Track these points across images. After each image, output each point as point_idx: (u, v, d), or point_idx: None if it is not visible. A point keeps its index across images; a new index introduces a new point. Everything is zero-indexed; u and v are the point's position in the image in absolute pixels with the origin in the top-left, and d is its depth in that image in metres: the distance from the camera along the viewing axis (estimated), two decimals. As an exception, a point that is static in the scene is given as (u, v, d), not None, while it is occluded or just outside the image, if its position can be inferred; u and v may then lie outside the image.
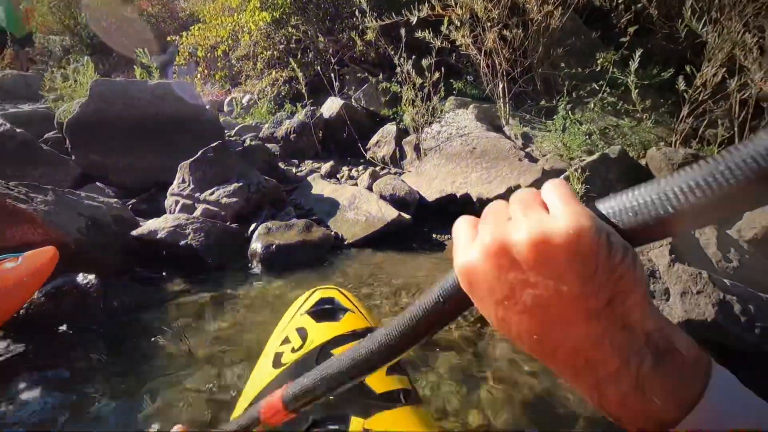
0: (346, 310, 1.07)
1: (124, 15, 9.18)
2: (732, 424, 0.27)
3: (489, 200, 2.84)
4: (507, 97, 3.40)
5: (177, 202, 2.79)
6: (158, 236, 2.25)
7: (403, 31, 3.21)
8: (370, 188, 3.25)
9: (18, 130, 3.10)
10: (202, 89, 6.29)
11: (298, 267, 2.37)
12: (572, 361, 0.30)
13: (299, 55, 5.07)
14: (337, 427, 0.73)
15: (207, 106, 5.50)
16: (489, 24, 3.05)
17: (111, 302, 1.92)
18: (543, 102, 3.15)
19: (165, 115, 3.44)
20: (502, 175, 2.81)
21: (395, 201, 3.05)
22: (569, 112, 3.00)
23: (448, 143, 3.35)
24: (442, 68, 3.29)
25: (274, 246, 2.33)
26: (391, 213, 2.79)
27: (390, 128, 3.96)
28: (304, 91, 4.05)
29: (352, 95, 4.55)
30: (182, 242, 2.26)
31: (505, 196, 2.55)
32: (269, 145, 4.25)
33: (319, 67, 4.28)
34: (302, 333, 0.99)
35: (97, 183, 3.18)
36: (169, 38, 6.69)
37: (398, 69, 3.42)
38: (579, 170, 2.02)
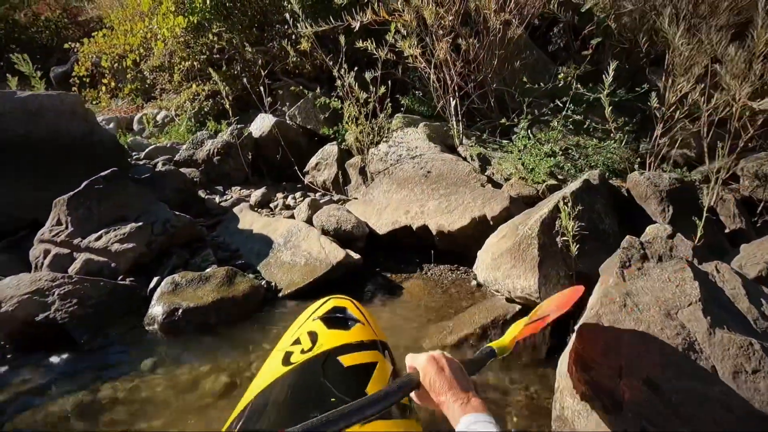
0: (356, 320, 1.12)
1: (16, 20, 7.93)
2: None
3: (451, 234, 2.46)
4: (460, 115, 3.08)
5: (47, 253, 2.08)
6: (2, 310, 1.56)
7: (342, 39, 2.78)
8: (309, 221, 2.73)
9: None
10: (108, 104, 5.41)
11: (215, 331, 1.79)
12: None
13: (224, 67, 4.46)
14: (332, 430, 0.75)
15: (110, 125, 4.68)
16: (441, 32, 2.71)
17: None
18: (503, 120, 2.86)
19: (41, 136, 2.68)
20: (464, 203, 2.43)
21: (341, 236, 2.56)
22: (529, 131, 2.73)
23: (399, 166, 2.94)
24: (389, 82, 2.90)
25: (180, 311, 1.74)
26: (336, 253, 2.29)
27: (330, 149, 3.48)
28: (228, 106, 3.46)
29: (287, 112, 4.02)
30: (41, 316, 1.59)
31: (470, 228, 2.17)
32: (187, 170, 3.58)
33: (245, 80, 3.71)
34: (313, 337, 1.05)
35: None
36: (66, 45, 5.73)
37: (338, 82, 2.98)
38: (567, 201, 1.68)
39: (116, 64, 5.24)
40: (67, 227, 2.17)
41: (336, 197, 3.26)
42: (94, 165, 2.57)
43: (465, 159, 2.97)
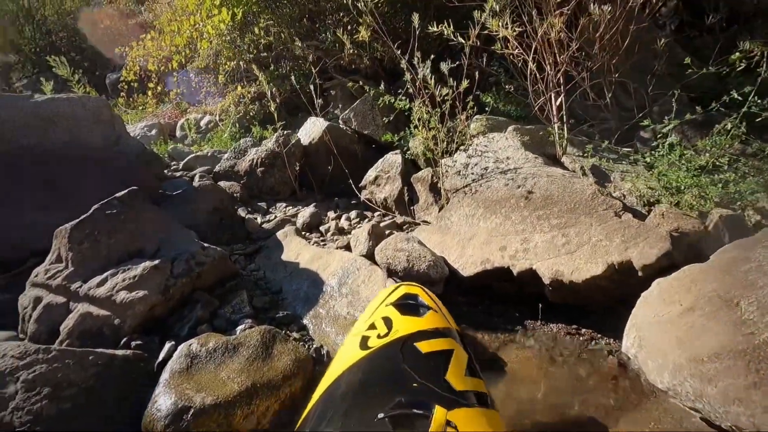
0: (428, 308, 1.17)
1: (75, 28, 8.06)
2: None
3: (574, 285, 1.75)
4: (565, 116, 2.34)
5: (38, 301, 1.60)
6: (-65, 412, 1.05)
7: (416, 18, 2.14)
8: (371, 255, 2.11)
9: None
10: (154, 109, 5.15)
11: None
12: None
13: (271, 66, 3.98)
14: (421, 411, 0.78)
15: (152, 131, 4.35)
16: (552, 7, 2.00)
17: None
18: (646, 121, 2.07)
19: (54, 148, 2.27)
20: (592, 240, 1.71)
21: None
22: (678, 139, 1.95)
23: (485, 183, 2.26)
24: (467, 75, 2.22)
25: (190, 414, 1.16)
26: (411, 310, 1.65)
27: (393, 159, 2.86)
28: (273, 110, 2.94)
29: (340, 115, 3.46)
30: (-10, 421, 1.07)
31: (605, 279, 1.43)
32: (227, 183, 3.11)
33: (294, 79, 3.17)
34: (388, 322, 1.09)
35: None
36: (117, 49, 5.56)
37: (407, 76, 2.34)
38: None
39: (162, 67, 4.96)
40: (67, 266, 1.69)
41: (400, 220, 2.63)
42: (117, 181, 2.12)
43: (573, 172, 2.24)
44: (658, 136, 2.06)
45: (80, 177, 2.29)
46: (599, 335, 1.69)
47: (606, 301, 1.68)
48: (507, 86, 2.54)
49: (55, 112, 2.27)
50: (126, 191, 1.91)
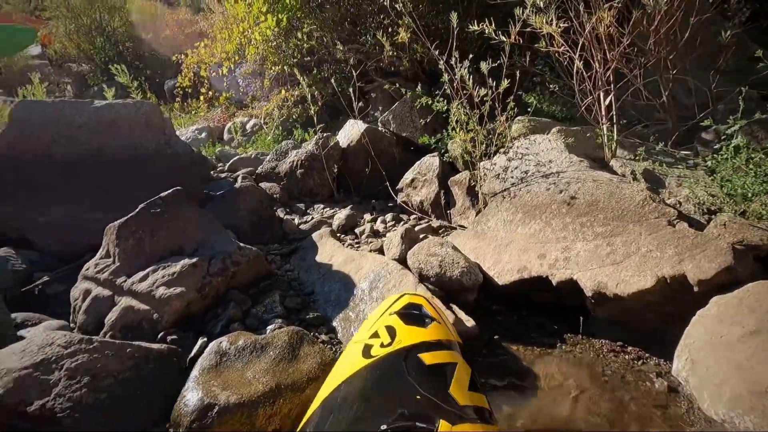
0: (432, 319, 1.14)
1: (143, 39, 8.67)
2: None
3: (620, 298, 1.62)
4: (615, 117, 2.18)
5: (87, 293, 1.71)
6: (-10, 393, 1.15)
7: (454, 17, 2.08)
8: (403, 259, 2.08)
9: None
10: (206, 113, 5.41)
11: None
12: None
13: (314, 70, 4.05)
14: (425, 425, 0.77)
15: (202, 134, 4.57)
16: (601, 1, 1.87)
17: None
18: (707, 121, 1.88)
19: (112, 150, 2.43)
20: (641, 251, 1.57)
21: (445, 285, 1.86)
22: (746, 141, 1.75)
23: (525, 187, 2.16)
24: (508, 75, 2.13)
25: (215, 411, 1.18)
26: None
27: (430, 162, 2.81)
28: (313, 113, 2.98)
29: (379, 117, 3.45)
30: (35, 405, 1.14)
31: (655, 293, 1.30)
32: (268, 185, 3.19)
33: (334, 82, 3.21)
34: (391, 332, 1.07)
35: (2, 249, 2.17)
36: (174, 57, 5.90)
37: (444, 77, 2.28)
38: None
39: (213, 74, 5.20)
40: (114, 261, 1.80)
41: (436, 224, 2.57)
42: (166, 181, 2.23)
43: (621, 176, 2.08)
44: (722, 137, 1.87)
45: (133, 177, 2.44)
46: (647, 355, 1.55)
47: (655, 318, 1.54)
48: (551, 86, 2.41)
49: (112, 117, 2.43)
50: (170, 191, 2.00)
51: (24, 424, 1.16)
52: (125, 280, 1.70)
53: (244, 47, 4.80)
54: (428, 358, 0.99)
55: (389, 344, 1.03)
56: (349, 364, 1.02)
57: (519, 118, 2.56)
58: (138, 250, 1.80)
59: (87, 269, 1.79)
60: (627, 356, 1.59)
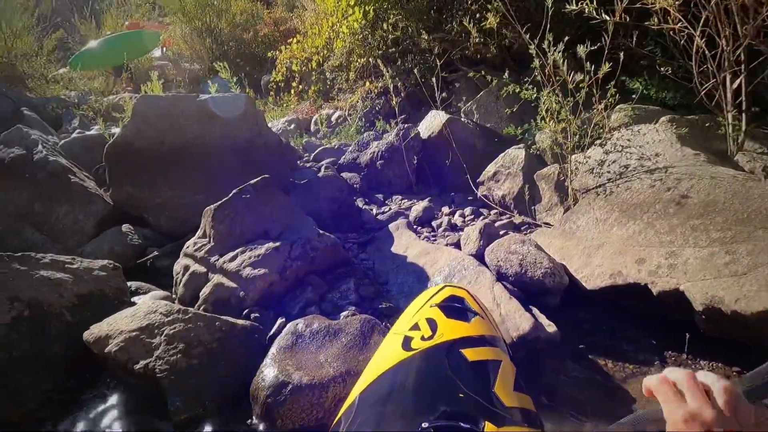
0: (475, 313, 1.08)
1: (243, 38, 9.41)
2: None
3: (739, 317, 1.38)
4: (745, 104, 1.85)
5: (186, 269, 1.90)
6: (106, 349, 1.32)
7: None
8: (480, 255, 2.00)
9: (51, 159, 2.59)
10: (296, 106, 5.71)
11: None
12: None
13: (398, 61, 4.05)
14: (469, 426, 0.74)
15: (291, 126, 4.82)
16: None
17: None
18: None
19: (214, 138, 2.66)
20: (772, 262, 1.32)
21: (525, 285, 1.75)
22: None
23: (624, 183, 1.93)
24: (610, 58, 1.90)
25: (288, 389, 1.23)
26: (518, 319, 1.50)
27: (515, 154, 2.65)
28: (394, 104, 2.98)
29: (463, 108, 3.35)
30: (140, 364, 1.29)
31: None
32: (349, 175, 3.27)
33: (417, 72, 3.17)
34: (432, 324, 1.02)
35: (124, 226, 2.50)
36: (269, 54, 6.31)
37: (535, 62, 2.12)
38: None
39: (304, 68, 5.45)
40: (209, 241, 1.97)
41: (518, 220, 2.42)
42: (257, 169, 2.39)
43: (752, 174, 1.76)
44: None
45: (230, 165, 2.65)
46: (774, 386, 1.30)
47: (788, 344, 1.28)
48: (663, 69, 2.11)
49: (214, 110, 2.66)
50: (259, 179, 2.13)
51: (131, 379, 1.32)
52: (218, 259, 1.86)
53: (333, 41, 4.96)
54: (471, 354, 0.94)
55: (430, 337, 0.98)
56: (388, 356, 0.97)
57: (621, 106, 2.30)
58: (230, 231, 1.95)
59: (187, 247, 1.98)
60: (745, 385, 1.35)
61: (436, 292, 1.16)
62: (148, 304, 1.48)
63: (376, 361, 0.99)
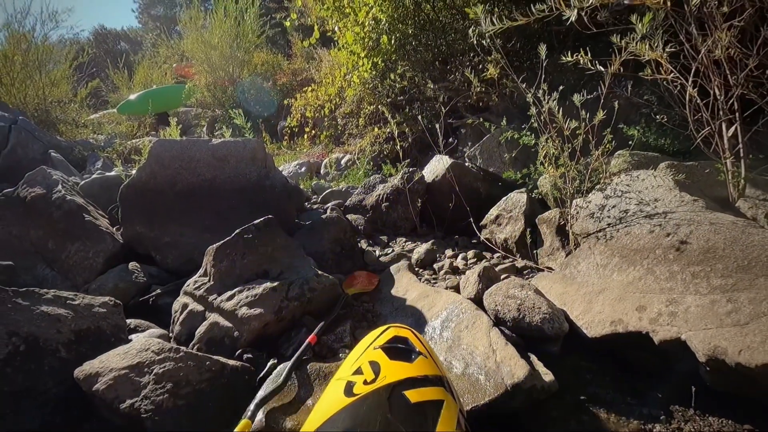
0: (419, 353, 1.07)
1: (262, 87, 9.94)
2: None
3: (744, 369, 1.32)
4: (743, 150, 1.86)
5: (185, 307, 1.91)
6: (94, 387, 1.32)
7: (542, 51, 2.01)
8: (479, 298, 1.97)
9: (68, 198, 2.71)
10: (308, 150, 5.91)
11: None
12: None
13: (406, 108, 4.21)
14: None
15: (302, 169, 4.97)
16: (718, 19, 1.66)
17: None
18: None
19: (222, 181, 2.76)
20: (775, 312, 1.27)
21: (524, 331, 1.71)
22: None
23: (624, 228, 1.92)
24: (606, 106, 1.95)
25: (272, 434, 1.20)
26: (514, 367, 1.45)
27: (517, 198, 2.67)
28: (399, 148, 3.07)
29: (467, 152, 3.42)
30: (126, 404, 1.28)
31: None
32: (354, 217, 3.32)
33: (422, 119, 3.28)
34: (375, 367, 1.01)
35: (131, 264, 2.55)
36: (285, 101, 6.62)
37: (532, 109, 2.19)
38: None
39: (317, 114, 5.70)
40: (209, 280, 2.00)
41: (520, 264, 2.40)
42: (264, 210, 2.45)
43: (754, 220, 1.74)
44: None
45: (238, 205, 2.73)
46: (787, 447, 1.22)
47: (799, 400, 1.21)
48: (659, 117, 2.15)
49: (224, 152, 2.78)
50: (262, 219, 2.18)
51: (117, 419, 1.31)
52: (215, 298, 1.87)
53: (345, 90, 5.21)
54: (414, 395, 0.92)
55: (373, 381, 0.96)
56: (330, 403, 0.95)
57: (619, 152, 2.32)
58: (230, 271, 1.97)
59: (188, 285, 2.01)
60: (756, 443, 1.26)
61: (380, 334, 1.15)
62: (141, 342, 1.49)
63: (318, 411, 0.96)
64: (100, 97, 11.73)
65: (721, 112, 1.88)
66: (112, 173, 3.72)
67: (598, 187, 2.21)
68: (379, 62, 4.06)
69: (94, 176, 3.62)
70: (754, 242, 1.49)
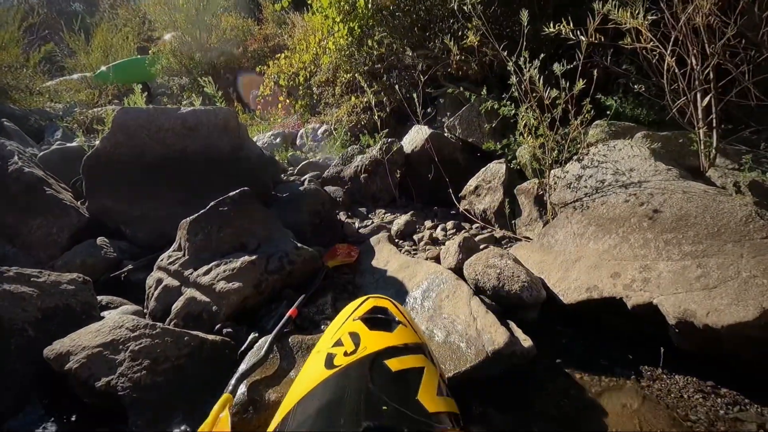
0: (398, 322, 1.08)
1: (234, 53, 9.47)
2: None
3: (711, 330, 1.38)
4: (716, 120, 1.90)
5: (159, 282, 1.85)
6: (66, 366, 1.27)
7: (524, 17, 1.96)
8: (459, 268, 1.99)
9: (26, 170, 2.54)
10: (282, 120, 5.72)
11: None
12: None
13: (384, 77, 4.10)
14: None
15: (276, 139, 4.82)
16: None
17: None
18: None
19: (195, 150, 2.64)
20: (741, 275, 1.33)
21: (502, 300, 1.74)
22: None
23: (600, 197, 1.95)
24: (584, 75, 1.94)
25: (256, 405, 1.20)
26: (494, 334, 1.48)
27: (496, 169, 2.68)
28: (376, 118, 3.00)
29: (446, 122, 3.38)
30: (101, 382, 1.24)
31: (757, 328, 1.09)
32: (333, 188, 3.27)
33: (399, 88, 3.20)
34: (355, 338, 1.01)
35: (99, 239, 2.44)
36: (258, 68, 6.34)
37: (513, 79, 2.15)
38: None
39: (291, 82, 5.48)
40: (184, 254, 1.93)
41: (499, 234, 2.43)
42: (238, 182, 2.36)
43: (721, 189, 1.80)
44: None
45: (210, 177, 2.62)
46: (745, 400, 1.30)
47: (757, 357, 1.29)
48: (637, 86, 2.16)
49: (195, 121, 2.65)
50: (237, 191, 2.11)
51: (92, 398, 1.27)
52: (192, 272, 1.82)
53: (320, 57, 5.01)
54: (394, 364, 0.92)
55: (353, 352, 0.95)
56: (310, 377, 0.94)
57: (597, 122, 2.34)
58: (205, 244, 1.91)
59: (161, 260, 1.94)
60: (719, 399, 1.34)
61: (359, 305, 1.15)
62: (114, 319, 1.43)
63: (299, 384, 0.95)
64: (55, 62, 10.92)
65: (696, 82, 1.90)
66: (74, 144, 3.50)
67: (575, 157, 2.23)
68: (356, 28, 3.90)
69: (53, 147, 3.40)
70: (723, 210, 1.54)
